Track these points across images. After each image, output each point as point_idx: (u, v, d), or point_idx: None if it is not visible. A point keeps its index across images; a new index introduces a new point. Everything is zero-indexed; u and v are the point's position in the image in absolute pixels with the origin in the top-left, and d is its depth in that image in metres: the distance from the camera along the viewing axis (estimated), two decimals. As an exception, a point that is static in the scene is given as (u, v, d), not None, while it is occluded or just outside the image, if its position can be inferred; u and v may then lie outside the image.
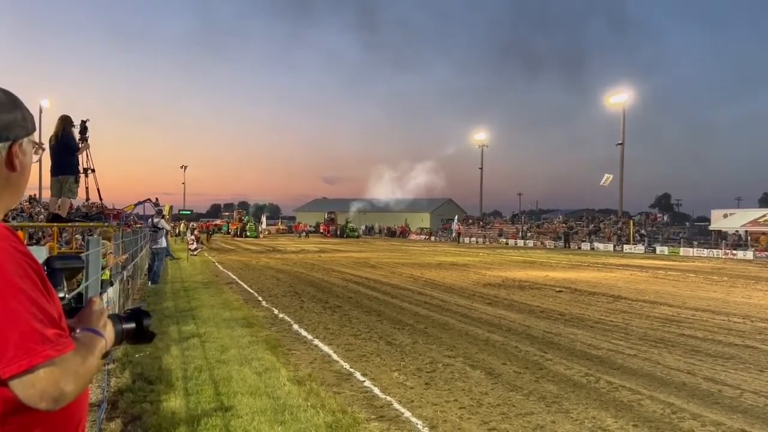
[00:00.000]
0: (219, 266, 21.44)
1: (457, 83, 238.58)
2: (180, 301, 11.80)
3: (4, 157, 1.28)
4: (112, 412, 4.93)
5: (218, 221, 74.43)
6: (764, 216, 39.66)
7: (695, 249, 38.94)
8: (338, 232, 66.05)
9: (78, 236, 12.12)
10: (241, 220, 63.44)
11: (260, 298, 12.50)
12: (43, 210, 20.73)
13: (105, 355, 1.34)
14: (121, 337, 1.44)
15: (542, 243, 50.18)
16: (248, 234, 57.54)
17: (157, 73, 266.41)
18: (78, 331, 1.28)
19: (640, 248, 41.50)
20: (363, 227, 77.33)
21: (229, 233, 62.60)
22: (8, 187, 1.31)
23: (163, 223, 16.98)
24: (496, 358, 7.18)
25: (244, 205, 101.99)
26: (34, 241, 13.75)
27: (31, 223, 15.83)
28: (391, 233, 73.67)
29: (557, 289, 15.08)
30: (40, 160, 1.71)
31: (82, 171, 8.23)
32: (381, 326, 9.37)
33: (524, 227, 58.97)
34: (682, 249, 39.54)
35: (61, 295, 1.39)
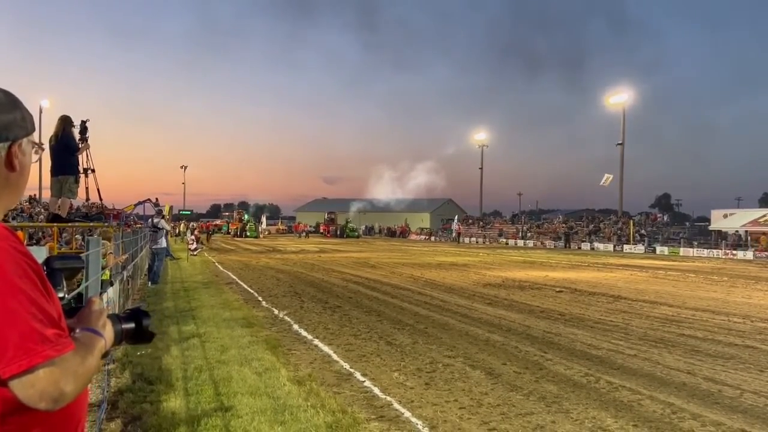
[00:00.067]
0: (219, 266, 21.45)
1: (457, 83, 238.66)
2: (180, 301, 11.80)
3: (4, 158, 1.28)
4: (112, 412, 4.93)
5: (218, 221, 74.39)
6: (764, 216, 39.66)
7: (695, 249, 38.95)
8: (338, 232, 66.04)
9: (78, 236, 12.12)
10: (241, 220, 63.41)
11: (260, 298, 12.50)
12: (43, 210, 20.74)
13: (105, 355, 1.34)
14: (120, 337, 1.44)
15: (542, 243, 50.18)
16: (248, 234, 57.53)
17: (157, 73, 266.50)
18: (77, 331, 1.28)
19: (640, 248, 41.51)
20: (363, 227, 77.33)
21: (229, 233, 62.59)
22: (8, 187, 1.31)
23: (163, 224, 16.98)
24: (496, 358, 7.18)
25: (244, 205, 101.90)
26: (34, 242, 13.75)
27: (31, 224, 15.83)
28: (391, 233, 73.67)
29: (557, 289, 15.08)
30: (40, 161, 1.71)
31: (82, 171, 8.23)
32: (381, 326, 9.37)
33: (524, 227, 58.97)
34: (682, 249, 39.55)
35: (61, 295, 1.39)
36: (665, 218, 58.75)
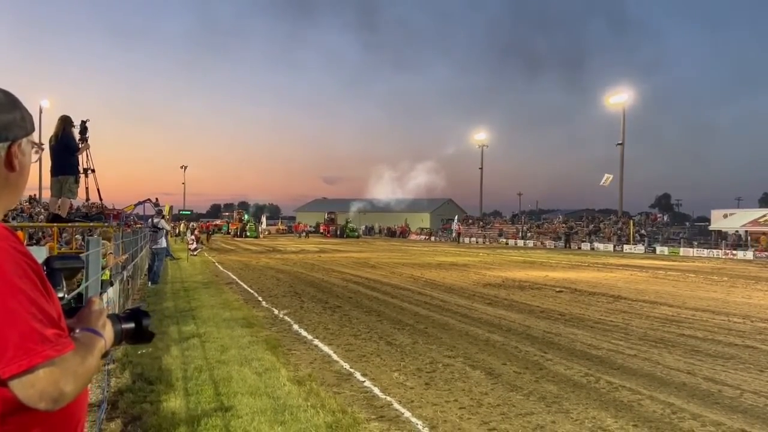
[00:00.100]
0: (219, 266, 21.45)
1: (457, 83, 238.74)
2: (180, 301, 11.80)
3: (3, 158, 1.28)
4: (112, 412, 4.93)
5: (218, 221, 74.37)
6: (764, 216, 39.66)
7: (695, 249, 38.94)
8: (338, 233, 66.04)
9: (78, 236, 12.12)
10: (241, 220, 63.40)
11: (260, 299, 12.50)
12: (43, 210, 20.74)
13: (104, 355, 1.34)
14: (120, 337, 1.44)
15: (542, 243, 50.17)
16: (248, 234, 57.52)
17: (157, 73, 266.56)
18: (77, 331, 1.28)
19: (640, 248, 41.50)
20: (363, 227, 77.33)
21: (229, 233, 62.57)
22: (7, 187, 1.31)
23: (163, 224, 16.98)
24: (496, 359, 7.18)
25: (244, 205, 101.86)
26: (34, 242, 13.75)
27: (31, 224, 15.84)
28: (391, 233, 73.67)
29: (557, 289, 15.08)
30: (40, 161, 1.71)
31: (82, 171, 8.23)
32: (381, 326, 9.37)
33: (524, 227, 58.97)
34: (682, 249, 39.54)
35: (61, 295, 1.39)
36: (665, 218, 58.76)
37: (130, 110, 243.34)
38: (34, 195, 32.20)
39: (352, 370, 6.53)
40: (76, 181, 8.02)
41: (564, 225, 54.37)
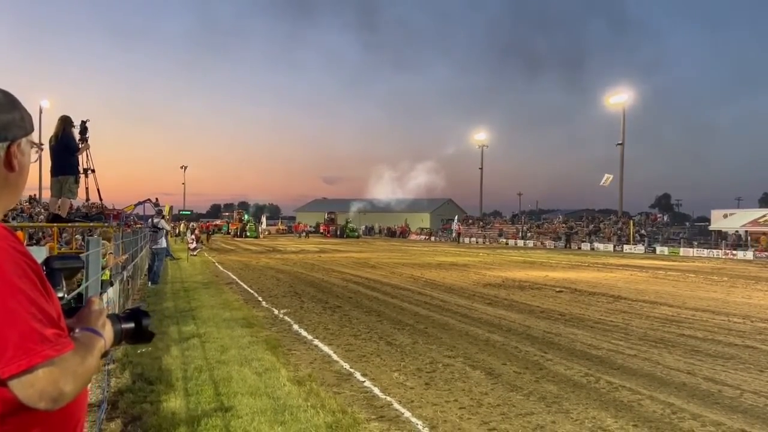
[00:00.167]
0: (219, 266, 21.45)
1: (457, 83, 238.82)
2: (180, 301, 11.80)
3: (3, 158, 1.28)
4: (112, 412, 4.93)
5: (218, 221, 74.37)
6: (764, 216, 39.66)
7: (695, 249, 38.94)
8: (338, 233, 66.04)
9: (78, 236, 12.13)
10: (241, 220, 63.40)
11: (260, 299, 12.50)
12: (43, 210, 20.74)
13: (104, 355, 1.34)
14: (120, 337, 1.44)
15: (542, 243, 50.17)
16: (248, 234, 57.52)
17: (157, 73, 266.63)
18: (77, 330, 1.28)
19: (640, 248, 41.50)
20: (363, 227, 77.32)
21: (229, 233, 62.57)
22: (7, 187, 1.31)
23: (163, 224, 16.98)
24: (496, 359, 7.18)
25: (244, 206, 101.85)
26: (34, 242, 13.75)
27: (31, 224, 15.84)
28: (391, 233, 73.66)
29: (557, 289, 15.08)
30: (40, 161, 1.71)
31: (82, 171, 8.24)
32: (381, 326, 9.37)
33: (524, 227, 58.97)
34: (682, 249, 39.54)
35: (60, 294, 1.39)
36: (665, 218, 58.75)
37: (130, 110, 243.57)
38: (34, 195, 32.21)
39: (352, 370, 6.53)
40: (76, 182, 8.02)
41: (564, 225, 54.36)
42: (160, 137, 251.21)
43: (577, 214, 70.47)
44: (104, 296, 5.55)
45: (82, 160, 8.26)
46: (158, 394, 5.37)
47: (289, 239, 57.77)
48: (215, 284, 15.26)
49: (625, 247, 42.57)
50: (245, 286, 14.77)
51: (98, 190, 8.85)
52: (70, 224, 8.93)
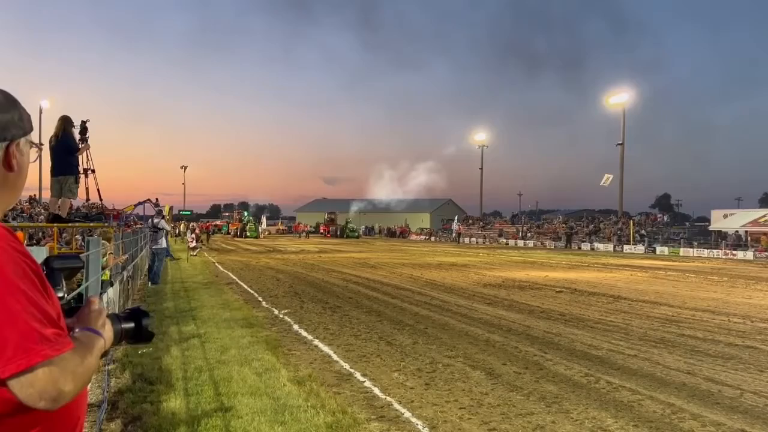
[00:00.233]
0: (219, 266, 21.44)
1: (457, 83, 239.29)
2: (180, 301, 11.79)
3: (2, 158, 1.28)
4: (112, 412, 4.93)
5: (218, 221, 74.40)
6: (764, 216, 39.66)
7: (695, 249, 38.93)
8: (338, 233, 66.04)
9: (78, 237, 12.13)
10: (241, 220, 63.42)
11: (260, 299, 12.50)
12: (43, 210, 20.73)
13: (104, 355, 1.34)
14: (120, 337, 1.44)
15: (542, 243, 50.17)
16: (248, 234, 57.54)
17: (157, 73, 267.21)
18: (77, 330, 1.28)
19: (640, 248, 41.49)
20: (363, 227, 77.33)
21: (229, 234, 62.60)
22: (6, 187, 1.31)
23: (163, 224, 16.97)
24: (496, 359, 7.18)
25: (244, 206, 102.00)
26: (34, 242, 13.75)
27: (31, 224, 15.84)
28: (391, 233, 73.66)
29: (557, 289, 15.07)
30: (39, 161, 1.71)
31: (82, 171, 8.24)
32: (381, 326, 9.37)
33: (524, 227, 58.99)
34: (682, 249, 39.53)
35: (60, 294, 1.39)
36: (665, 218, 58.74)
37: (130, 110, 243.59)
38: (34, 195, 32.19)
39: (352, 371, 6.53)
40: (76, 182, 8.03)
41: (564, 225, 54.37)
42: (160, 137, 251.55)
43: (577, 214, 70.53)
44: (104, 296, 5.55)
45: (82, 160, 8.28)
46: (158, 394, 5.36)
47: (289, 239, 57.77)
48: (215, 284, 15.26)
49: (625, 247, 42.56)
50: (245, 287, 14.77)
51: (98, 190, 8.87)
52: (70, 224, 8.93)
